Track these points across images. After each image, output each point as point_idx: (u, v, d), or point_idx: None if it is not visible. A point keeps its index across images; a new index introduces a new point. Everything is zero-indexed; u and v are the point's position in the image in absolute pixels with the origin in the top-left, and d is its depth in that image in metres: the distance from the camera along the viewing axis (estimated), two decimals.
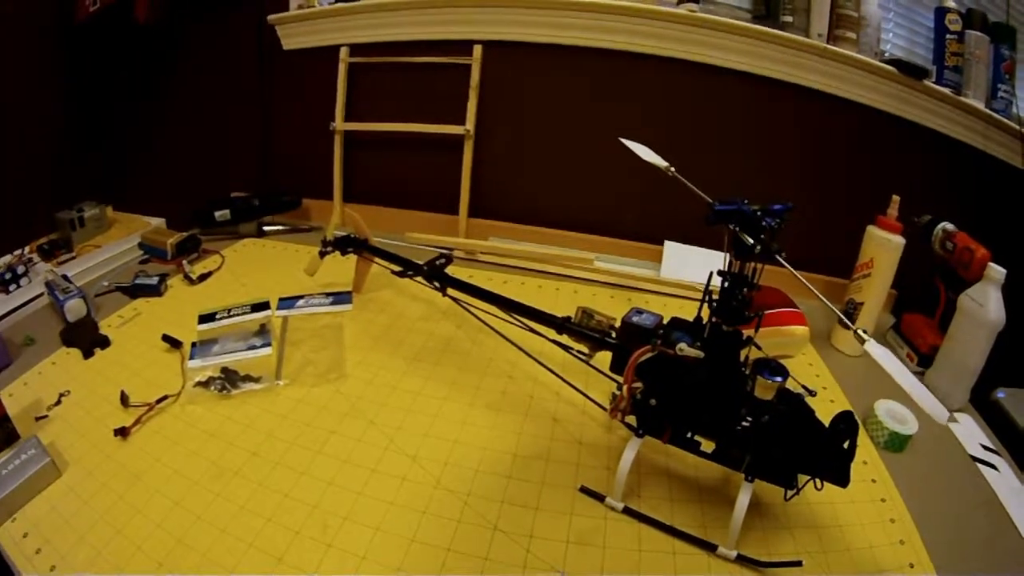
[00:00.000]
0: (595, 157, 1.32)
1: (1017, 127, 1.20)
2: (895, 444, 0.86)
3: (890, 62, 1.17)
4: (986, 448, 0.91)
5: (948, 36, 1.21)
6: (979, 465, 0.88)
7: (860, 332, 0.58)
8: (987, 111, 1.21)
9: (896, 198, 1.03)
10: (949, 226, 1.03)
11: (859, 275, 1.08)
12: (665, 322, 0.68)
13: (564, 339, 0.80)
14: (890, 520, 0.75)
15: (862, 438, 0.87)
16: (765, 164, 1.29)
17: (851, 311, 1.09)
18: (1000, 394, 1.05)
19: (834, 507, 0.75)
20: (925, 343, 1.05)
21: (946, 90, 1.19)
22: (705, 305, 0.64)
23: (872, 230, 1.06)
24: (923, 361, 1.05)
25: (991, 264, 0.93)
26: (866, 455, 0.85)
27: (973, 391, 0.99)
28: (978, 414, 0.99)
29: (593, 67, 1.28)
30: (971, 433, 0.94)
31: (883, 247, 1.04)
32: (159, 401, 0.83)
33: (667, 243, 1.34)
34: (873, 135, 1.24)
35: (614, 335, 0.74)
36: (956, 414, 0.97)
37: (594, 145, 1.27)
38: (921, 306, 1.13)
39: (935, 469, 0.86)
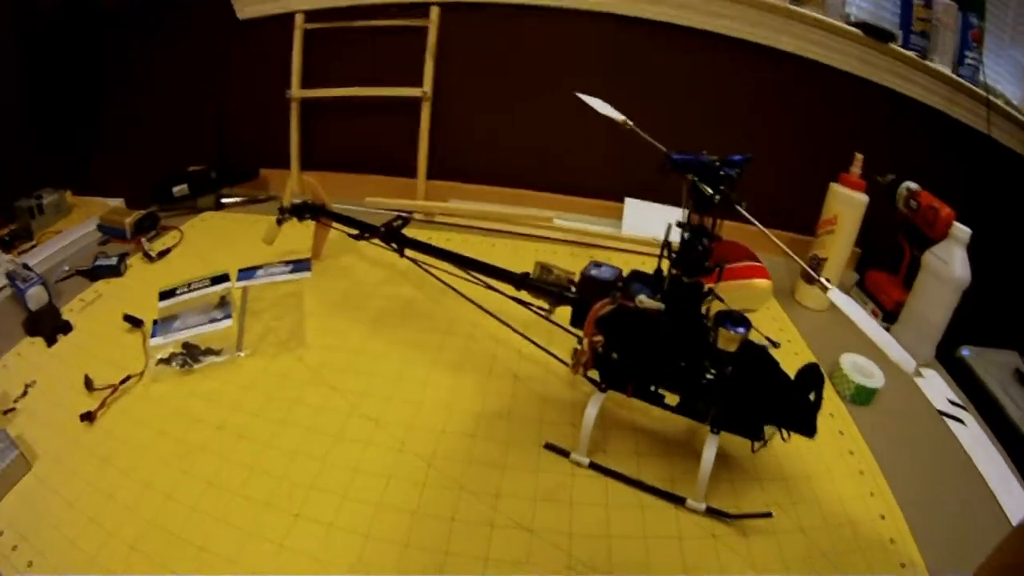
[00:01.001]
0: (555, 115, 1.31)
1: (983, 93, 1.21)
2: (861, 397, 0.87)
3: (856, 25, 1.17)
4: (953, 403, 0.93)
5: (915, 2, 1.21)
6: (946, 419, 0.89)
7: (823, 280, 0.58)
8: (953, 76, 1.22)
9: (860, 156, 1.03)
10: (913, 185, 1.04)
11: (823, 231, 1.09)
12: (625, 275, 0.68)
13: (524, 295, 0.80)
14: (859, 472, 0.76)
15: (829, 392, 0.88)
16: (730, 123, 1.29)
17: (815, 267, 1.10)
18: (965, 352, 1.07)
19: (802, 459, 0.76)
20: (890, 299, 1.06)
21: (912, 54, 1.20)
22: (665, 258, 0.63)
23: (835, 187, 1.07)
24: (888, 317, 1.06)
25: (956, 224, 0.94)
26: (833, 408, 0.85)
27: (939, 349, 1.01)
28: (944, 370, 1.00)
29: (552, 26, 1.26)
30: (937, 388, 0.95)
31: (847, 204, 1.05)
32: (122, 382, 0.81)
33: (628, 200, 1.34)
34: (838, 95, 1.24)
35: (573, 289, 0.73)
36: (922, 369, 0.98)
37: (554, 103, 1.25)
38: (885, 264, 1.14)
39: (902, 422, 0.87)
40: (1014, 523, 0.72)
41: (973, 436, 0.87)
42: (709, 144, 0.61)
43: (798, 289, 1.15)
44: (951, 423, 0.88)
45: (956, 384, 0.98)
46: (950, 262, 0.93)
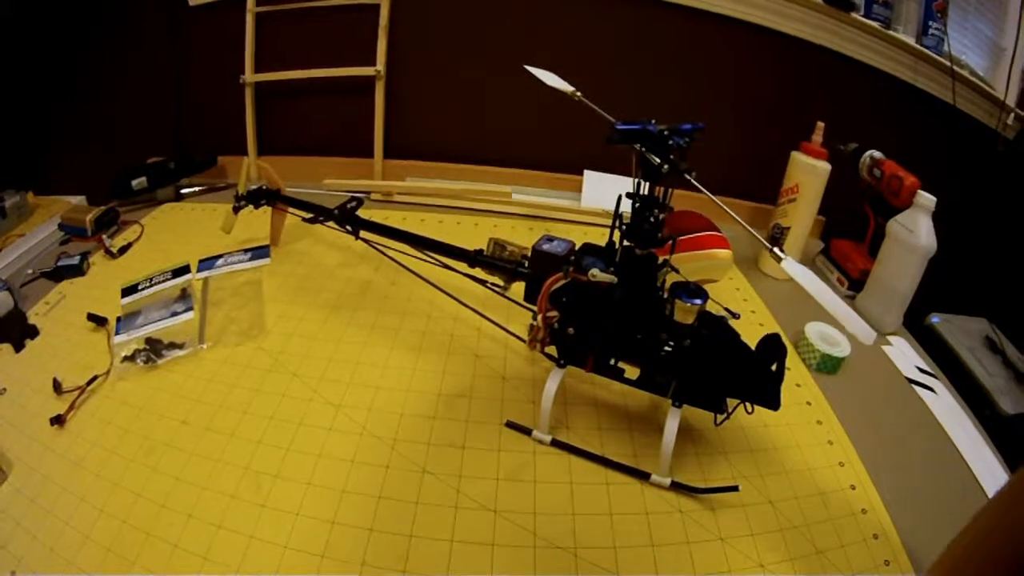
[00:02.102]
0: (512, 89, 1.26)
1: (948, 64, 1.21)
2: (828, 366, 0.87)
3: None
4: (922, 371, 0.93)
5: None
6: (915, 387, 0.89)
7: (776, 251, 0.57)
8: (917, 46, 1.22)
9: (821, 124, 1.03)
10: (877, 154, 1.04)
11: (785, 200, 1.09)
12: (577, 248, 0.67)
13: (478, 273, 0.79)
14: (828, 442, 0.76)
15: (795, 361, 0.89)
16: (688, 93, 1.27)
17: (778, 236, 1.10)
18: (934, 319, 1.08)
19: (769, 430, 0.76)
20: (855, 268, 1.07)
21: (875, 24, 1.19)
22: (617, 230, 0.63)
23: (797, 156, 1.06)
24: (854, 285, 1.06)
25: (921, 192, 0.94)
26: (799, 378, 0.85)
27: (907, 317, 1.01)
28: (913, 338, 1.00)
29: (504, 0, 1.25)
30: (906, 356, 0.96)
31: (809, 172, 1.05)
32: (89, 383, 0.80)
33: (586, 172, 1.33)
34: (798, 64, 1.24)
35: (526, 265, 0.72)
36: (890, 337, 0.98)
37: (511, 77, 1.24)
38: (850, 232, 1.14)
39: (871, 391, 0.87)
40: (986, 489, 0.73)
41: (944, 403, 0.87)
42: (667, 115, 0.61)
43: (761, 258, 1.14)
44: (921, 391, 0.89)
45: (926, 352, 0.98)
46: (916, 230, 0.93)
